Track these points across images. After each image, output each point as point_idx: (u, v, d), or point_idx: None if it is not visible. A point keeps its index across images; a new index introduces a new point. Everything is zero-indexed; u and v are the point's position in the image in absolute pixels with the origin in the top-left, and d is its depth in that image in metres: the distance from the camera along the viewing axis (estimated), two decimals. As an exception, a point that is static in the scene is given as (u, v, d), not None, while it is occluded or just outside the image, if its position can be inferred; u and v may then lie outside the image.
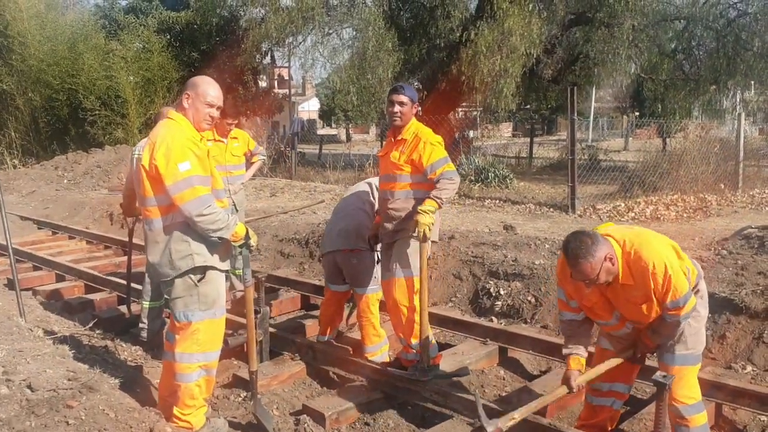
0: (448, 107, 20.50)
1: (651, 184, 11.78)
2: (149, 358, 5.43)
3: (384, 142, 4.99)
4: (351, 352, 5.27)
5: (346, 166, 15.53)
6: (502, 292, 6.33)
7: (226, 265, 3.77)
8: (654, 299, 3.27)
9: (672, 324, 3.35)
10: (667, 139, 16.92)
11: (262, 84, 23.15)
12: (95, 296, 6.95)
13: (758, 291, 5.18)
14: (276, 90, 24.84)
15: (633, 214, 10.02)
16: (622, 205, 10.44)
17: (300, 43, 18.82)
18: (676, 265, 3.24)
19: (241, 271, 5.21)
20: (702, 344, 3.51)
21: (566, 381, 3.50)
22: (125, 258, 8.65)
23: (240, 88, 19.89)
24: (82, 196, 13.48)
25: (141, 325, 5.66)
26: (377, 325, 4.98)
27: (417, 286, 4.47)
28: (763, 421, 4.19)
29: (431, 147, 4.40)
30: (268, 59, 21.44)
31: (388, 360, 4.97)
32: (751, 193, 12.75)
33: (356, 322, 5.36)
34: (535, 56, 14.80)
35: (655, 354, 3.64)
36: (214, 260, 3.61)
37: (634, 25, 14.73)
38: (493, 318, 6.22)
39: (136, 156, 5.30)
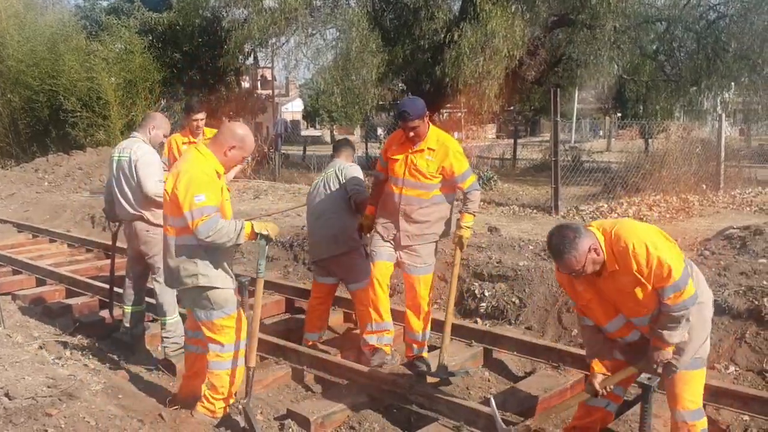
0: (432, 109, 20.52)
1: (633, 185, 11.83)
2: (131, 363, 5.37)
3: (387, 142, 5.05)
4: (338, 354, 5.26)
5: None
6: (486, 294, 6.34)
7: (229, 283, 4.03)
8: (644, 282, 3.20)
9: (674, 315, 3.23)
10: (650, 140, 17.11)
11: (245, 85, 23.06)
12: (76, 300, 6.85)
13: (741, 291, 5.22)
14: (259, 91, 24.73)
15: (616, 215, 10.05)
16: (605, 206, 10.49)
17: (283, 44, 18.77)
18: (661, 245, 3.20)
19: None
20: (707, 350, 3.47)
21: (590, 385, 3.48)
22: (107, 261, 8.58)
23: (223, 88, 19.80)
24: (64, 199, 13.32)
25: (123, 330, 5.60)
26: (381, 308, 4.89)
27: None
28: (746, 420, 4.22)
29: (459, 157, 4.75)
30: (251, 60, 21.37)
31: (388, 352, 4.95)
32: (732, 193, 12.86)
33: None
34: (518, 58, 14.84)
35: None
36: (216, 281, 3.96)
37: (616, 26, 14.81)
38: (478, 319, 6.22)
39: (116, 158, 5.23)
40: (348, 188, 5.24)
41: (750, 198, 12.68)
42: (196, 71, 19.35)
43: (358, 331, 5.47)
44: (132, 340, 5.55)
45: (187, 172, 3.87)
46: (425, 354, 5.01)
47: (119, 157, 5.16)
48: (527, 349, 5.18)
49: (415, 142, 4.70)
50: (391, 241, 4.85)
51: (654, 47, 16.25)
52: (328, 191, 5.34)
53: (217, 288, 3.95)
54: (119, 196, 5.19)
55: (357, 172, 5.42)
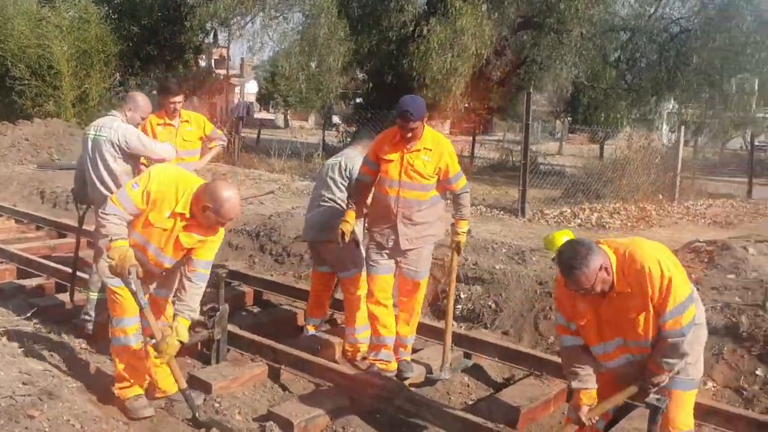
0: (393, 101, 20.39)
1: (594, 191, 12.01)
2: (95, 352, 5.10)
3: (377, 143, 4.76)
4: (318, 350, 5.13)
5: (292, 154, 15.18)
6: (462, 296, 6.28)
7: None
8: (651, 308, 3.14)
9: (673, 342, 3.18)
10: (605, 146, 17.47)
11: (202, 64, 22.46)
12: (30, 282, 6.48)
13: (717, 308, 5.30)
14: (216, 71, 24.14)
15: (579, 221, 10.19)
16: (568, 210, 10.61)
17: (247, 23, 18.33)
18: (673, 267, 3.15)
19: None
20: (701, 371, 3.44)
21: (576, 417, 3.36)
22: (61, 241, 8.19)
23: (181, 66, 19.20)
24: (8, 171, 12.66)
25: (86, 316, 5.31)
26: (380, 324, 4.82)
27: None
28: (726, 437, 4.27)
29: (454, 157, 4.68)
30: (210, 38, 20.78)
31: (391, 363, 4.88)
32: (686, 204, 13.20)
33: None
34: (485, 57, 14.88)
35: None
36: None
37: (582, 33, 14.99)
38: (453, 322, 6.15)
39: (91, 136, 4.93)
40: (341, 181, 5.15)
41: (702, 210, 13.06)
42: (154, 46, 18.66)
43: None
44: (96, 328, 5.27)
45: (155, 170, 3.85)
46: (408, 358, 4.93)
47: (96, 135, 4.87)
48: (507, 355, 5.15)
49: (410, 141, 4.56)
50: (389, 249, 4.70)
51: (617, 56, 16.51)
52: (327, 177, 5.23)
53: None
54: (93, 177, 4.91)
55: None
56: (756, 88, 14.60)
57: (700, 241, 7.99)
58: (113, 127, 4.84)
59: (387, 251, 4.70)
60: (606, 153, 17.15)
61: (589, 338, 3.42)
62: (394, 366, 4.84)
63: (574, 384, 3.43)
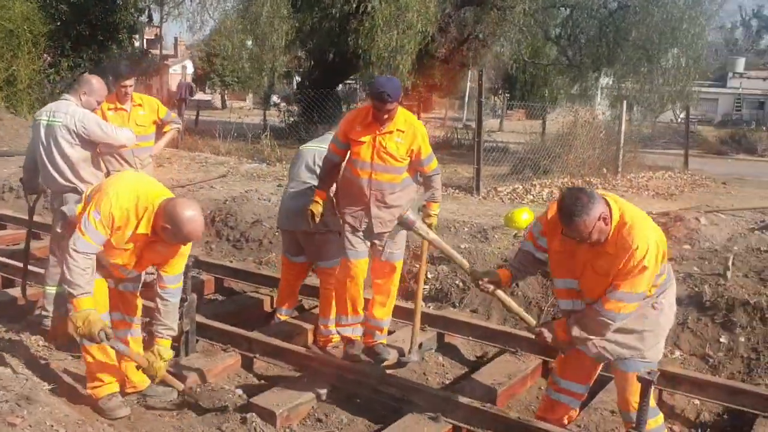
0: (337, 80, 20.20)
1: (542, 167, 12.17)
2: (54, 349, 4.88)
3: (348, 122, 4.58)
4: (292, 339, 5.03)
5: (238, 136, 14.80)
6: (429, 276, 6.26)
7: None
8: (611, 277, 3.19)
9: (600, 320, 3.23)
10: (546, 122, 17.70)
11: (137, 44, 21.66)
12: (-28, 276, 6.15)
13: (680, 278, 5.44)
14: (150, 51, 23.30)
15: (531, 197, 10.31)
16: (520, 187, 10.72)
17: (181, 2, 17.76)
18: (653, 263, 3.18)
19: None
20: (659, 356, 3.50)
21: (483, 274, 3.65)
22: (4, 233, 7.79)
23: (114, 46, 18.43)
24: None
25: (43, 312, 5.05)
26: (357, 304, 4.74)
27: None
28: (697, 404, 4.41)
29: (425, 139, 4.54)
30: (144, 17, 20.01)
31: (358, 337, 4.82)
32: (628, 177, 13.56)
33: None
34: (430, 34, 14.82)
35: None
36: None
37: (525, 9, 15.10)
38: (422, 302, 6.14)
39: (44, 122, 4.64)
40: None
41: (644, 182, 13.44)
42: (86, 26, 17.79)
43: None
44: (54, 322, 5.02)
45: (113, 187, 3.59)
46: (385, 341, 4.89)
47: (50, 121, 4.58)
48: (479, 333, 5.18)
49: (384, 123, 4.44)
50: (363, 232, 4.61)
51: (557, 32, 16.71)
52: (315, 166, 5.03)
53: None
54: (48, 165, 4.63)
55: None
56: (691, 61, 15.00)
57: (652, 213, 8.22)
58: (68, 112, 4.56)
59: (360, 233, 4.62)
60: (547, 129, 17.33)
61: (554, 268, 3.50)
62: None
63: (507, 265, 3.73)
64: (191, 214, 3.45)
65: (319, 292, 5.26)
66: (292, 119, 20.03)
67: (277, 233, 7.56)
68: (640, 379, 3.17)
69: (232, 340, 4.85)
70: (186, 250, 3.82)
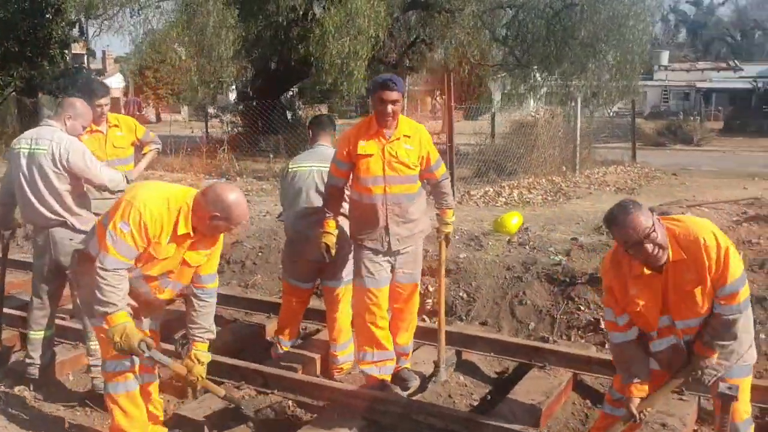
0: (281, 88, 19.77)
1: (505, 168, 12.18)
2: (42, 400, 4.44)
3: (348, 139, 4.21)
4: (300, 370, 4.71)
5: (192, 150, 14.22)
6: (430, 289, 6.04)
7: None
8: (708, 280, 3.04)
9: (729, 319, 3.08)
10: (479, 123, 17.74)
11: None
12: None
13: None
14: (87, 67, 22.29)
15: (503, 199, 10.26)
16: (491, 190, 10.66)
17: (116, 14, 16.99)
18: (727, 240, 3.07)
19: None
20: (754, 356, 3.35)
21: (628, 411, 3.22)
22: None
23: (46, 63, 17.50)
24: None
25: (27, 360, 4.58)
26: (383, 340, 4.39)
27: None
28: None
29: (431, 143, 4.31)
30: (76, 31, 19.07)
31: (388, 377, 4.47)
32: (586, 173, 13.73)
33: None
34: (382, 39, 14.65)
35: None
36: None
37: (474, 11, 15.11)
38: (425, 317, 5.90)
39: (26, 151, 4.18)
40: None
41: (601, 178, 13.63)
42: (14, 42, 16.84)
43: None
44: (40, 370, 4.57)
45: (138, 197, 3.28)
46: (408, 365, 4.64)
47: (33, 150, 4.13)
48: (499, 348, 4.99)
49: (390, 124, 4.11)
50: (384, 254, 4.28)
51: (505, 32, 16.79)
52: (319, 185, 4.69)
53: None
54: (33, 198, 4.17)
55: None
56: (637, 57, 15.32)
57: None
58: (53, 139, 4.12)
59: (384, 258, 4.29)
60: (479, 129, 17.22)
61: (647, 324, 3.28)
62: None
63: (625, 379, 3.31)
64: (236, 195, 3.31)
65: (319, 315, 5.09)
66: (236, 130, 19.51)
67: (260, 253, 7.21)
68: (720, 395, 3.03)
69: (244, 375, 4.50)
70: (221, 245, 3.63)
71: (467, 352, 5.08)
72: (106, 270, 3.18)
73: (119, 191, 4.29)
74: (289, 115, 20.17)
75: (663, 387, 3.32)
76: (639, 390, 3.26)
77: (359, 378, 4.63)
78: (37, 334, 4.52)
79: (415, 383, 4.56)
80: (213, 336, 3.63)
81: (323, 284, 4.92)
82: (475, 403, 4.58)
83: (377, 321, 4.30)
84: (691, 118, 31.74)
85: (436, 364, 4.71)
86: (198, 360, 3.50)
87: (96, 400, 4.33)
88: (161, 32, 14.74)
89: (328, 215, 4.35)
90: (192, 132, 16.69)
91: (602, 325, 5.33)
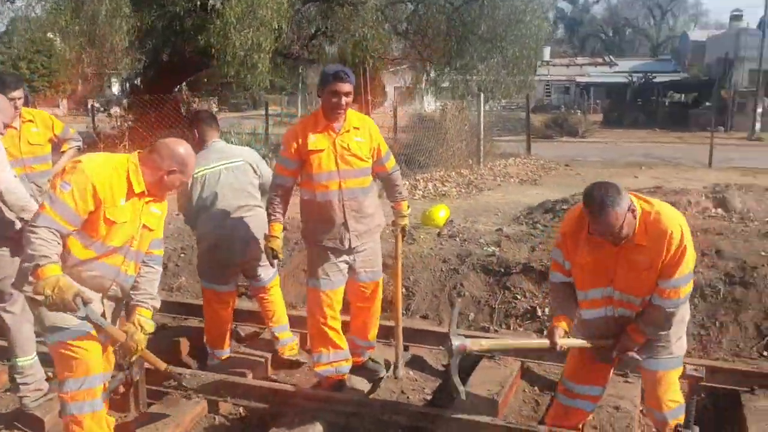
0: (174, 80, 18.97)
1: (417, 162, 12.32)
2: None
3: (295, 136, 4.07)
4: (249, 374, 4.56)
5: (88, 147, 13.33)
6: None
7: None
8: (658, 269, 3.21)
9: (667, 312, 3.28)
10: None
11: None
12: None
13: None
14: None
15: (420, 192, 10.38)
16: (407, 183, 10.73)
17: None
18: (689, 238, 3.23)
19: None
20: (684, 348, 3.54)
21: (551, 336, 3.41)
22: None
23: None
24: None
25: (20, 393, 4.16)
26: (336, 339, 4.33)
27: None
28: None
29: (379, 134, 4.26)
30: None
31: (345, 376, 4.43)
32: (489, 166, 14.14)
33: None
34: (285, 31, 14.37)
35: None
36: None
37: (376, 4, 15.12)
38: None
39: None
40: (267, 182, 4.53)
41: (504, 170, 14.08)
42: None
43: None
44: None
45: (81, 164, 3.09)
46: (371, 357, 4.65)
47: None
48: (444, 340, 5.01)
49: (339, 116, 4.00)
50: (344, 252, 4.19)
51: (405, 27, 16.91)
52: (249, 184, 4.61)
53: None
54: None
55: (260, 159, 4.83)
56: (533, 52, 15.88)
57: (550, 201, 8.57)
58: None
59: (342, 258, 4.21)
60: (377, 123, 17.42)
61: (581, 282, 3.45)
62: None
63: (554, 311, 3.59)
64: (187, 148, 3.29)
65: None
66: (126, 125, 18.58)
67: (182, 255, 6.92)
68: (688, 377, 3.20)
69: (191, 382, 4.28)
70: (165, 209, 3.47)
71: (415, 347, 5.10)
72: (37, 226, 2.94)
73: (22, 217, 3.88)
74: (183, 109, 19.45)
75: (584, 341, 3.51)
76: (564, 323, 3.45)
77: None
78: (26, 360, 4.15)
79: (382, 372, 4.57)
80: (158, 305, 3.46)
81: (252, 285, 4.92)
82: (428, 397, 4.60)
83: (330, 322, 4.23)
84: (572, 111, 33.33)
85: (390, 362, 4.69)
86: (141, 326, 3.27)
87: (30, 422, 4.01)
88: (41, 20, 13.68)
89: (273, 218, 4.20)
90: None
91: (539, 313, 5.53)
